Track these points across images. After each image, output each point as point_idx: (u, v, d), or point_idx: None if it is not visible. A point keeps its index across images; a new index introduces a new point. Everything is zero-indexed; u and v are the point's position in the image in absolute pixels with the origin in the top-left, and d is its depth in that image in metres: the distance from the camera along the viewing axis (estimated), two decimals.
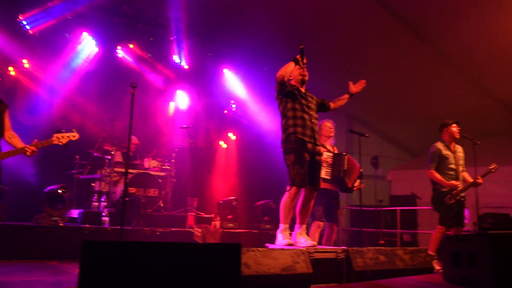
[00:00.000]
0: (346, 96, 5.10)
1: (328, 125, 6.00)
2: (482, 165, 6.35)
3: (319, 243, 5.79)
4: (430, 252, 5.66)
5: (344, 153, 5.79)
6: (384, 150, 13.73)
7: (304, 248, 4.32)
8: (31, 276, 4.49)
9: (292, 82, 4.86)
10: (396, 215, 9.88)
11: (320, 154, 4.84)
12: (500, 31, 7.90)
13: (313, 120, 4.76)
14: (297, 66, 4.85)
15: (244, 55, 10.09)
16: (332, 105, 5.06)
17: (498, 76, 9.66)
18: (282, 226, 4.69)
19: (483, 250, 3.43)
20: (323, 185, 5.67)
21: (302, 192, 4.75)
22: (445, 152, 5.98)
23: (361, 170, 5.90)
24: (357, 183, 5.91)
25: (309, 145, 4.63)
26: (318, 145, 4.77)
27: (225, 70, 10.46)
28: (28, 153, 4.18)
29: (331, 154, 5.78)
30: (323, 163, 5.62)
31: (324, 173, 5.69)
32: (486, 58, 9.04)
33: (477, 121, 9.62)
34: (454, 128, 6.04)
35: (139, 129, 9.06)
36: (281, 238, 4.66)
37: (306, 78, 4.86)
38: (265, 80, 9.78)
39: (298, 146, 4.58)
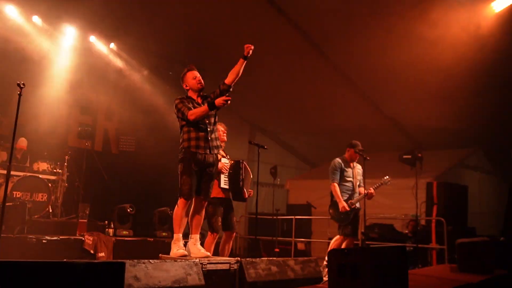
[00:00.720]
0: (241, 60, 4.65)
1: (220, 129, 5.70)
2: (372, 178, 6.85)
3: (216, 251, 5.79)
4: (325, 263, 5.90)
5: (241, 160, 5.80)
6: (284, 159, 14.15)
7: (197, 260, 4.28)
8: None
9: (189, 93, 4.82)
10: (292, 223, 10.16)
11: (213, 165, 4.78)
12: (391, 54, 8.48)
13: (209, 128, 4.72)
14: (192, 74, 4.81)
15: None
16: (226, 82, 4.72)
17: (388, 94, 10.38)
18: (174, 236, 4.64)
19: (364, 263, 3.64)
20: (220, 194, 5.69)
21: (194, 203, 4.75)
22: (344, 167, 6.56)
23: (251, 176, 5.98)
24: (249, 192, 5.96)
25: (199, 156, 4.61)
26: (210, 154, 4.70)
27: None
28: None
29: (228, 162, 5.76)
30: (222, 171, 5.60)
31: (223, 182, 5.67)
32: (378, 77, 9.67)
33: (368, 136, 10.21)
34: (356, 154, 6.57)
35: (31, 126, 8.46)
36: (175, 249, 4.62)
37: (202, 85, 4.78)
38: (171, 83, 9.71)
39: (187, 157, 4.57)
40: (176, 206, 4.62)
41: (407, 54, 8.33)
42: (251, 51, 4.59)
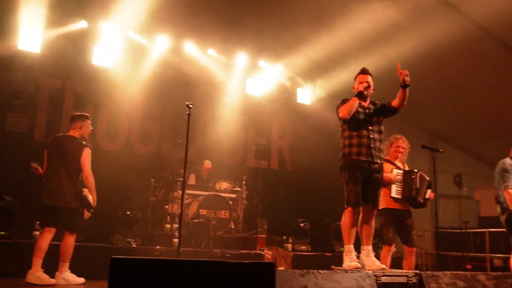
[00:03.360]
0: (401, 90, 4.44)
1: (400, 144, 5.58)
2: None
3: (399, 267, 5.45)
4: None
5: (415, 170, 5.41)
6: (470, 167, 12.84)
7: (370, 271, 4.03)
8: None
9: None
10: (485, 237, 9.09)
11: (378, 172, 4.54)
12: None
13: (371, 136, 4.50)
14: (361, 78, 4.64)
15: None
16: (394, 103, 4.55)
17: None
18: (345, 247, 4.47)
19: None
20: (392, 204, 5.37)
21: (362, 212, 4.54)
22: None
23: (428, 179, 5.48)
24: (427, 195, 5.49)
25: (363, 164, 4.41)
26: (376, 163, 4.49)
27: None
28: None
29: (401, 172, 5.42)
30: (393, 181, 5.32)
31: (394, 192, 5.36)
32: None
33: None
34: None
35: (213, 151, 9.19)
36: (347, 261, 4.45)
37: (370, 91, 4.59)
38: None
39: (351, 164, 4.40)
40: (343, 216, 4.47)
41: None
42: (406, 78, 4.30)
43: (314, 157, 10.37)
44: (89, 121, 5.62)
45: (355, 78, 4.70)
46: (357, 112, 4.46)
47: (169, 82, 8.93)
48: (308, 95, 10.75)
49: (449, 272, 4.40)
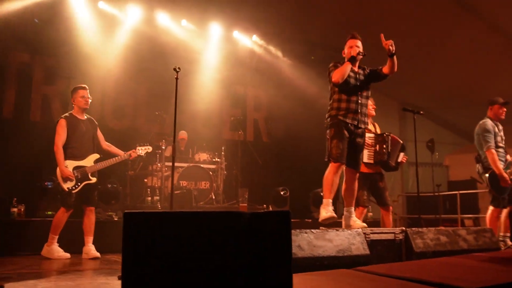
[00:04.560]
0: (388, 60, 4.50)
1: (370, 104, 5.51)
2: None
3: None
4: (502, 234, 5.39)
5: (386, 133, 5.51)
6: (440, 135, 13.20)
7: (360, 230, 4.15)
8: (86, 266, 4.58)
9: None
10: (456, 200, 9.42)
11: (361, 136, 4.65)
12: None
13: (360, 101, 4.58)
14: (351, 42, 4.66)
15: None
16: (385, 70, 4.60)
17: None
18: (324, 201, 4.54)
19: None
20: (365, 169, 5.46)
21: (346, 175, 4.64)
22: (496, 129, 5.75)
23: (402, 142, 5.61)
24: (400, 158, 5.63)
25: (350, 127, 4.51)
26: (360, 128, 4.59)
27: None
28: (131, 158, 5.70)
29: (372, 135, 5.52)
30: (365, 146, 5.42)
31: (366, 157, 5.45)
32: None
33: None
34: (501, 110, 5.82)
35: (190, 122, 9.11)
36: (324, 212, 4.50)
37: (356, 55, 4.55)
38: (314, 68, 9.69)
39: (339, 123, 4.48)
40: (327, 171, 4.50)
41: None
42: (391, 47, 4.36)
43: (290, 127, 10.43)
44: (82, 91, 5.57)
45: (345, 44, 4.73)
46: (348, 76, 4.51)
47: (143, 54, 8.73)
48: (282, 65, 10.70)
49: (433, 228, 4.58)
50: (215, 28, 9.67)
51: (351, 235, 4.00)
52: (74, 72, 8.26)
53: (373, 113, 5.72)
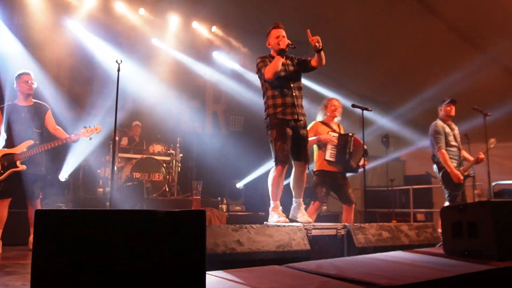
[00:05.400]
0: (316, 54, 4.47)
1: (334, 104, 5.75)
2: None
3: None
4: (440, 229, 5.53)
5: (350, 134, 5.59)
6: (396, 130, 13.43)
7: (301, 225, 4.17)
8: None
9: (272, 53, 4.65)
10: (410, 194, 9.64)
11: (304, 127, 4.64)
12: None
13: (294, 94, 4.54)
14: (276, 32, 4.59)
15: None
16: (313, 63, 4.58)
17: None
18: (272, 203, 4.57)
19: (485, 220, 3.23)
20: (327, 167, 5.55)
21: (294, 168, 4.65)
22: (447, 129, 5.96)
23: (365, 147, 5.71)
24: (361, 162, 5.72)
25: (291, 123, 4.49)
26: (301, 120, 4.57)
27: None
28: (70, 141, 5.17)
29: (336, 135, 5.60)
30: (331, 142, 5.49)
31: (329, 155, 5.53)
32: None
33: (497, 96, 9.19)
34: (449, 108, 6.00)
35: (145, 112, 8.98)
36: (275, 216, 4.53)
37: (283, 46, 4.42)
38: None
39: (279, 122, 4.44)
40: (272, 173, 4.51)
41: None
42: (318, 44, 4.31)
43: (249, 119, 10.40)
44: (25, 76, 5.17)
45: (268, 34, 4.65)
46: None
47: (97, 42, 8.53)
48: (241, 58, 10.65)
49: (375, 223, 4.65)
50: (173, 19, 9.52)
51: (292, 231, 4.01)
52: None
53: (337, 114, 5.78)
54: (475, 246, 3.28)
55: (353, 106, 5.77)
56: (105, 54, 8.43)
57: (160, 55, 9.53)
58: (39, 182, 5.25)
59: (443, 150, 5.81)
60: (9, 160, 4.99)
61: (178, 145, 8.40)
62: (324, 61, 4.48)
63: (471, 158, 5.98)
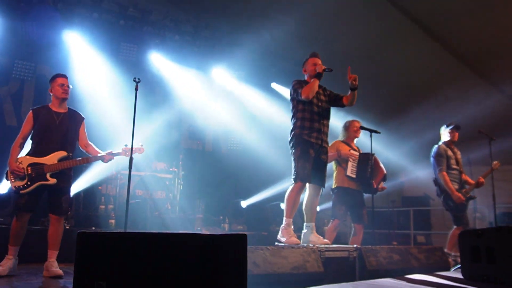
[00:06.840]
0: (350, 92, 4.62)
1: (356, 125, 5.88)
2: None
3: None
4: (447, 251, 5.56)
5: (372, 153, 5.64)
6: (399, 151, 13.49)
7: (315, 247, 4.18)
8: (35, 278, 4.38)
9: (307, 79, 4.77)
10: (410, 216, 9.66)
11: (325, 154, 4.73)
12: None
13: (322, 121, 4.67)
14: (313, 60, 4.75)
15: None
16: (345, 100, 4.74)
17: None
18: (285, 220, 4.58)
19: (502, 245, 3.25)
20: (347, 183, 5.58)
21: (309, 190, 4.67)
22: (449, 153, 6.05)
23: (385, 172, 5.75)
24: (381, 185, 5.75)
25: (315, 146, 4.59)
26: (324, 147, 4.68)
27: None
28: (105, 161, 4.64)
29: (357, 153, 5.66)
30: (350, 159, 5.53)
31: (350, 170, 5.56)
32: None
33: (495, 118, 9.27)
34: (452, 133, 6.12)
35: (147, 132, 8.94)
36: (287, 236, 4.54)
37: (319, 71, 4.62)
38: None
39: (304, 142, 4.55)
40: (291, 190, 4.55)
41: None
42: (355, 82, 4.47)
43: (248, 141, 10.38)
44: (61, 79, 4.61)
45: (305, 62, 4.83)
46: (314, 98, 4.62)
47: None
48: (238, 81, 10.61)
49: (386, 246, 4.67)
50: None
51: (306, 252, 4.01)
52: (28, 74, 7.98)
53: (358, 135, 5.90)
54: (493, 272, 3.29)
55: (361, 128, 5.83)
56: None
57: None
58: (68, 196, 4.61)
59: (445, 172, 5.89)
60: (38, 171, 4.38)
61: (180, 162, 8.37)
62: (355, 101, 4.64)
63: (472, 182, 6.04)
